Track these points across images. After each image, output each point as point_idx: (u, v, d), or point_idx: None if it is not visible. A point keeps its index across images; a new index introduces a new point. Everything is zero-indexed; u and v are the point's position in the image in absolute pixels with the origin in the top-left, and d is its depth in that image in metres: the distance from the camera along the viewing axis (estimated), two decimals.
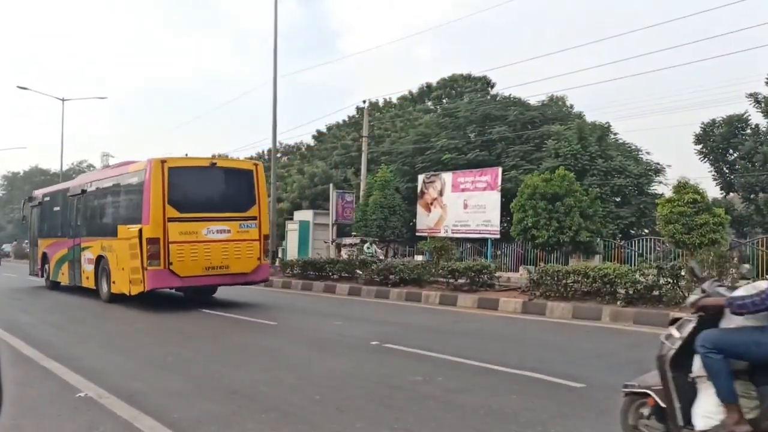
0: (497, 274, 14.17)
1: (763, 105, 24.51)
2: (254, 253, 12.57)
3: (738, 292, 3.50)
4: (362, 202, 25.79)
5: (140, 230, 11.71)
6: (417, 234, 23.85)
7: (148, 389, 5.69)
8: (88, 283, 14.21)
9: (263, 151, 54.02)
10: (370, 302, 14.12)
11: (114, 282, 12.91)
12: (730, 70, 47.51)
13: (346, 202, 27.64)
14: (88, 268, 14.10)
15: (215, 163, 13.32)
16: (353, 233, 26.97)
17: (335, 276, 16.95)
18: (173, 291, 13.83)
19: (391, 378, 6.10)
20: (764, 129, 25.12)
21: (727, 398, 3.37)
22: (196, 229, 11.89)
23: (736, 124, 25.72)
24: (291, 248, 27.98)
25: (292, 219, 30.29)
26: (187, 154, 16.44)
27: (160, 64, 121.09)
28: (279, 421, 4.68)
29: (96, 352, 7.95)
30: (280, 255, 27.21)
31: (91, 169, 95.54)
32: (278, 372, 6.49)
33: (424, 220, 23.03)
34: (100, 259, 13.55)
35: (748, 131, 25.64)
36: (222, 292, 14.35)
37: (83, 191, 15.14)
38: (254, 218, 12.66)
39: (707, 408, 3.45)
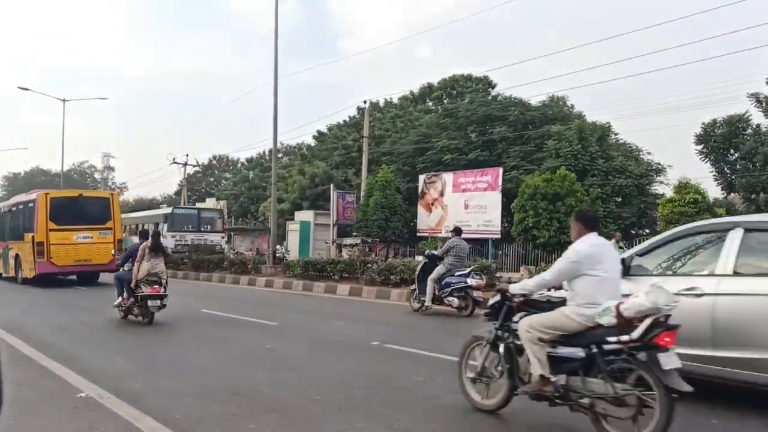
0: (498, 274, 14.17)
1: (764, 105, 24.50)
2: (110, 251, 17.68)
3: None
4: (363, 202, 25.80)
5: (33, 237, 17.62)
6: (418, 234, 23.86)
7: (149, 389, 5.69)
8: (12, 272, 19.52)
9: (264, 152, 54.14)
10: (371, 302, 14.13)
11: (23, 270, 18.48)
12: (730, 70, 47.52)
13: (347, 203, 27.64)
14: (12, 262, 19.54)
15: (82, 194, 19.53)
16: (354, 234, 26.98)
17: (336, 276, 16.95)
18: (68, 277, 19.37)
19: (391, 378, 6.09)
20: (765, 129, 25.10)
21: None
22: (69, 235, 17.77)
23: (736, 124, 25.71)
24: (292, 248, 28.00)
25: (292, 219, 30.30)
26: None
27: (162, 65, 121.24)
28: (280, 421, 4.68)
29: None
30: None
31: (93, 169, 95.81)
32: (279, 372, 6.48)
33: (425, 221, 23.04)
34: (17, 256, 18.99)
35: (749, 131, 25.61)
36: (225, 291, 14.34)
37: (9, 210, 20.68)
38: (110, 228, 18.38)
39: None
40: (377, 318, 11.40)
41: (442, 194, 22.31)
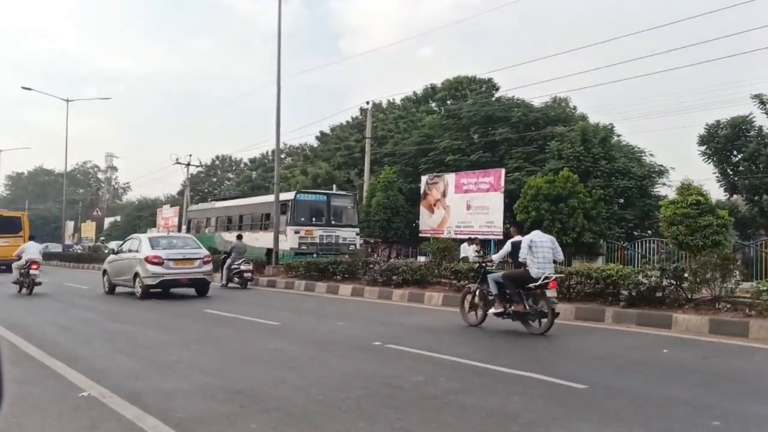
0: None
1: (767, 106, 24.40)
2: None
3: None
4: (365, 203, 25.81)
5: None
6: (420, 235, 23.86)
7: (151, 389, 5.71)
8: None
9: (267, 152, 54.20)
10: (373, 303, 14.14)
11: None
12: (734, 72, 47.45)
13: None
14: None
15: (2, 214, 29.25)
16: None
17: (338, 276, 16.96)
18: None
19: (393, 378, 6.10)
20: None
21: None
22: None
23: (740, 125, 25.62)
24: None
25: None
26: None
27: (165, 65, 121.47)
28: (281, 420, 4.69)
29: None
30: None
31: (96, 169, 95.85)
32: (281, 372, 6.50)
33: (427, 221, 23.04)
34: None
35: (752, 133, 25.53)
36: (220, 294, 14.37)
37: None
38: (21, 236, 26.09)
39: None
40: (379, 318, 11.41)
41: (444, 195, 22.32)
